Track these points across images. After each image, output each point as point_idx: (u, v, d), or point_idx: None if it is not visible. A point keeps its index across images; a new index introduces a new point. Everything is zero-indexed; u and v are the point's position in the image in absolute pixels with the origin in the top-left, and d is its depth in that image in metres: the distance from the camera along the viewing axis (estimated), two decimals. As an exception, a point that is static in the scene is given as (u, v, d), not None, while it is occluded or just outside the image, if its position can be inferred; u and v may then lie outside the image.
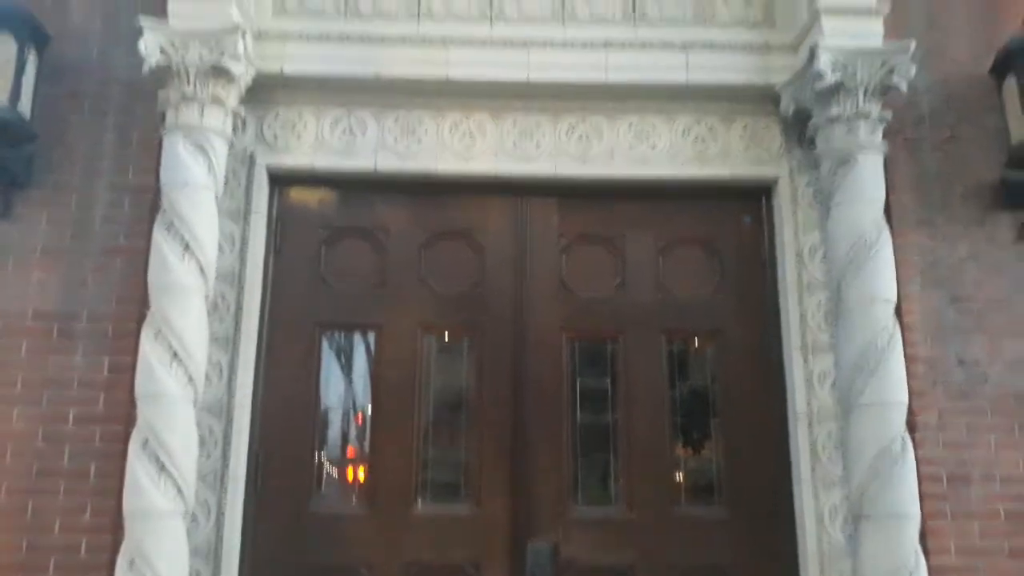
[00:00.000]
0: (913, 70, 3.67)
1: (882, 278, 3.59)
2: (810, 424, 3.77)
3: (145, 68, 3.57)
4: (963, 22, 4.10)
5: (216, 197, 3.66)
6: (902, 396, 3.50)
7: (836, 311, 3.69)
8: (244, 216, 3.91)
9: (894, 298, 3.60)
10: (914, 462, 3.43)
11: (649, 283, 4.10)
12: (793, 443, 3.82)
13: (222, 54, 3.57)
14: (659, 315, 4.07)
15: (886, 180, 3.73)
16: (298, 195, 4.12)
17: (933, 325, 3.82)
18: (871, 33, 3.77)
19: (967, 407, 3.73)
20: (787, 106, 3.91)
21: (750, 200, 4.17)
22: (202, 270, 3.53)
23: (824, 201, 3.84)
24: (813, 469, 3.72)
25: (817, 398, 3.78)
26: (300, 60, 3.94)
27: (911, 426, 3.54)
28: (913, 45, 3.68)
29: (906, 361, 3.54)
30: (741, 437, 3.93)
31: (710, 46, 4.02)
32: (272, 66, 3.90)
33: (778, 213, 4.05)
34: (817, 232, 3.92)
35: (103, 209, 3.81)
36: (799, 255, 3.96)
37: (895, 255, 3.66)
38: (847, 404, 3.56)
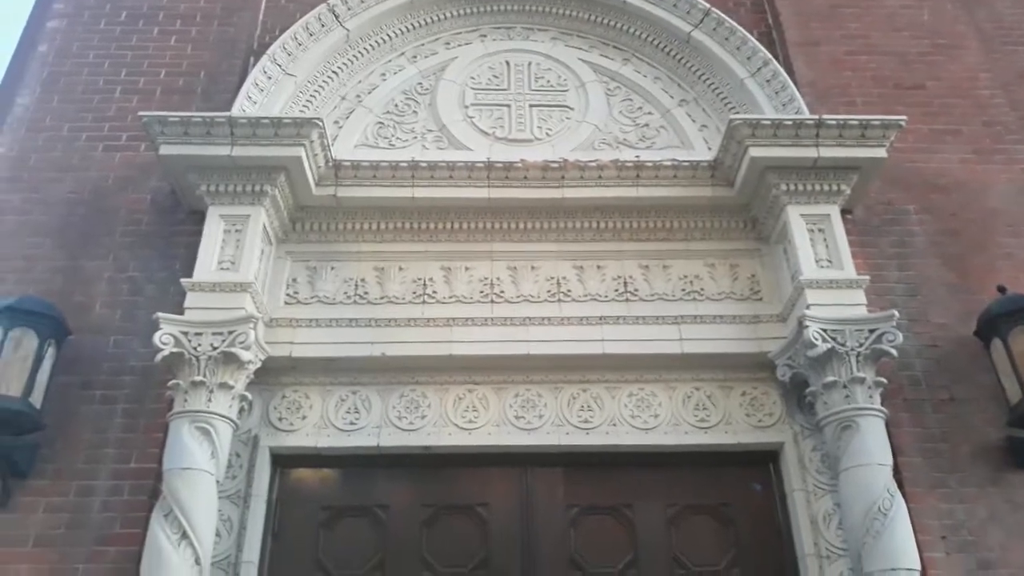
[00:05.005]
0: (900, 337, 3.78)
1: (903, 548, 3.46)
2: None
3: (158, 357, 3.68)
4: (940, 289, 4.31)
5: (218, 482, 3.62)
6: None
7: (860, 584, 3.51)
8: (244, 499, 3.84)
9: (918, 567, 3.46)
10: None
11: (663, 558, 3.93)
12: None
13: (233, 343, 3.71)
14: (678, 594, 3.87)
15: (892, 443, 3.73)
16: (300, 476, 4.08)
17: (963, 594, 3.62)
18: (855, 303, 3.95)
19: None
20: (783, 373, 3.98)
21: (757, 466, 4.12)
22: (198, 560, 3.41)
23: (833, 466, 3.79)
24: None
25: None
26: (309, 345, 4.09)
27: None
28: (896, 313, 3.83)
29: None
30: None
31: (701, 319, 4.20)
32: (281, 351, 4.04)
33: (787, 480, 3.99)
34: (830, 498, 3.83)
35: (102, 495, 3.74)
36: (814, 522, 3.85)
37: (912, 520, 3.57)
38: None
